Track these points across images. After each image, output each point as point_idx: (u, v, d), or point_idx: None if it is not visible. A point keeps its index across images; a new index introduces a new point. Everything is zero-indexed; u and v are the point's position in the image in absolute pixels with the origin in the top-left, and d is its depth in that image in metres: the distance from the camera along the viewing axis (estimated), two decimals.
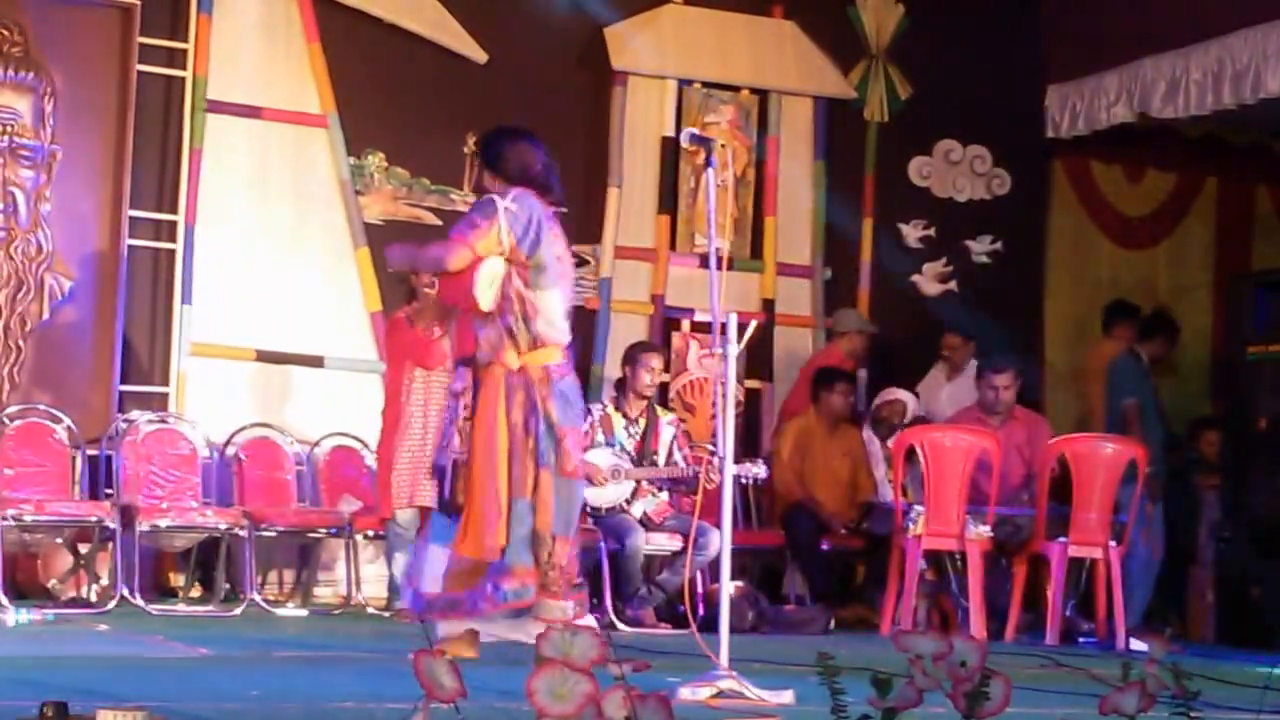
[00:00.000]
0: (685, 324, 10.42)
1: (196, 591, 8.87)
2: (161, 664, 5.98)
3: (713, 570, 8.07)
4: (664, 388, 10.00)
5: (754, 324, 5.44)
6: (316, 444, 9.39)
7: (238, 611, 8.29)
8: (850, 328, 10.37)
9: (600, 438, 8.62)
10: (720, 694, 4.74)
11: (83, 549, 8.45)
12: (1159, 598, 9.90)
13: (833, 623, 8.78)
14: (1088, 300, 11.37)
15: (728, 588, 5.27)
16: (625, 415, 8.79)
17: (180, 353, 9.24)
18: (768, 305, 10.56)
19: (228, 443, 9.17)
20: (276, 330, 9.50)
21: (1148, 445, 9.15)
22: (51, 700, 3.27)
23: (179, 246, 9.30)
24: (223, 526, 8.54)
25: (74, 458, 8.73)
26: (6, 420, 8.67)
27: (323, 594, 9.31)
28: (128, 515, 8.29)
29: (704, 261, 9.71)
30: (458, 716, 2.47)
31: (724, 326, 5.18)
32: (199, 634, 7.05)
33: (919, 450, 8.64)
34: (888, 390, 10.00)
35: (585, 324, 9.82)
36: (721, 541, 5.31)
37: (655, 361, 8.89)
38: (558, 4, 10.14)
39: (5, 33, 8.96)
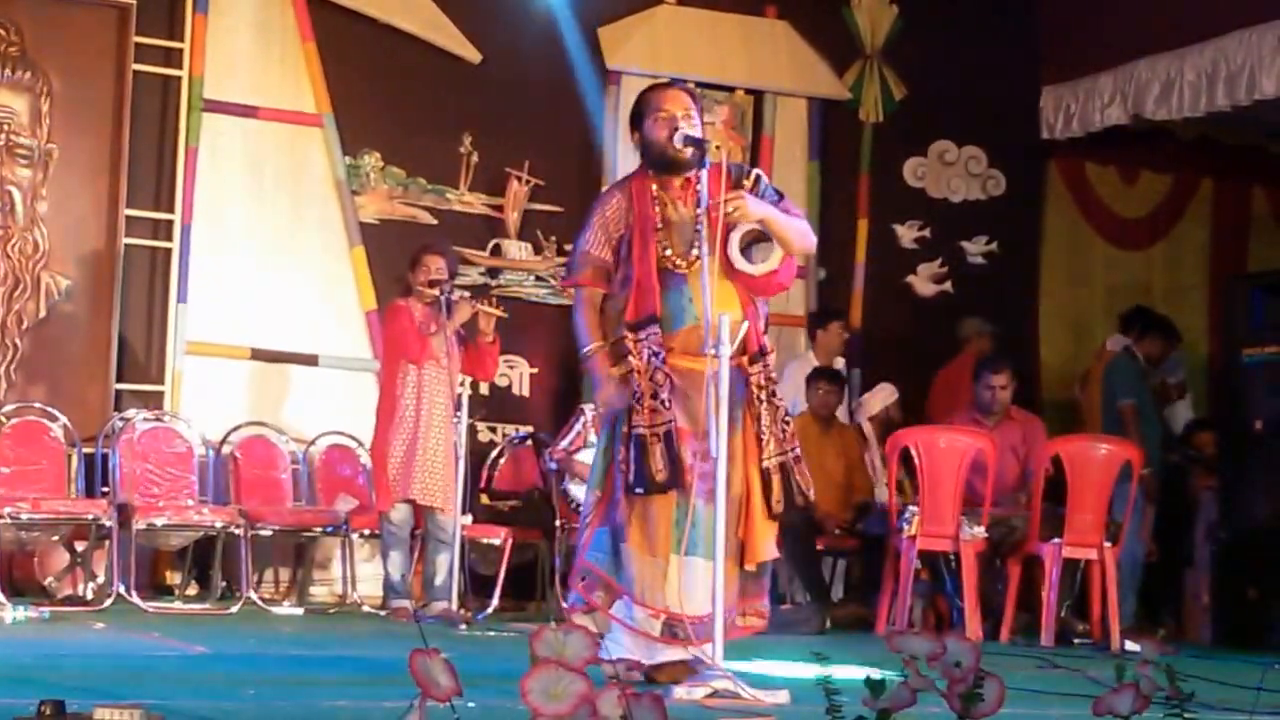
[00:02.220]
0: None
1: (192, 590, 8.88)
2: (158, 662, 5.98)
3: None
4: None
5: (747, 324, 5.40)
6: (312, 443, 9.40)
7: (234, 610, 8.29)
8: (973, 332, 10.52)
9: (592, 438, 8.60)
10: (715, 694, 4.74)
11: (79, 547, 8.44)
12: (1155, 598, 9.89)
13: (827, 623, 8.78)
14: (1083, 301, 11.38)
15: (722, 588, 5.26)
16: None
17: (176, 351, 9.24)
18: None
19: (223, 441, 9.17)
20: (272, 329, 9.51)
21: (1144, 445, 9.15)
22: (50, 699, 3.27)
23: (175, 245, 9.30)
24: (219, 525, 8.54)
25: (70, 456, 8.74)
26: (3, 419, 8.67)
27: (318, 593, 9.32)
28: (124, 513, 8.29)
29: None
30: (453, 715, 2.48)
31: (716, 327, 5.16)
32: (195, 632, 7.04)
33: (913, 451, 8.64)
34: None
35: None
36: (716, 541, 5.30)
37: None
38: (552, 3, 10.14)
39: (2, 32, 8.96)
